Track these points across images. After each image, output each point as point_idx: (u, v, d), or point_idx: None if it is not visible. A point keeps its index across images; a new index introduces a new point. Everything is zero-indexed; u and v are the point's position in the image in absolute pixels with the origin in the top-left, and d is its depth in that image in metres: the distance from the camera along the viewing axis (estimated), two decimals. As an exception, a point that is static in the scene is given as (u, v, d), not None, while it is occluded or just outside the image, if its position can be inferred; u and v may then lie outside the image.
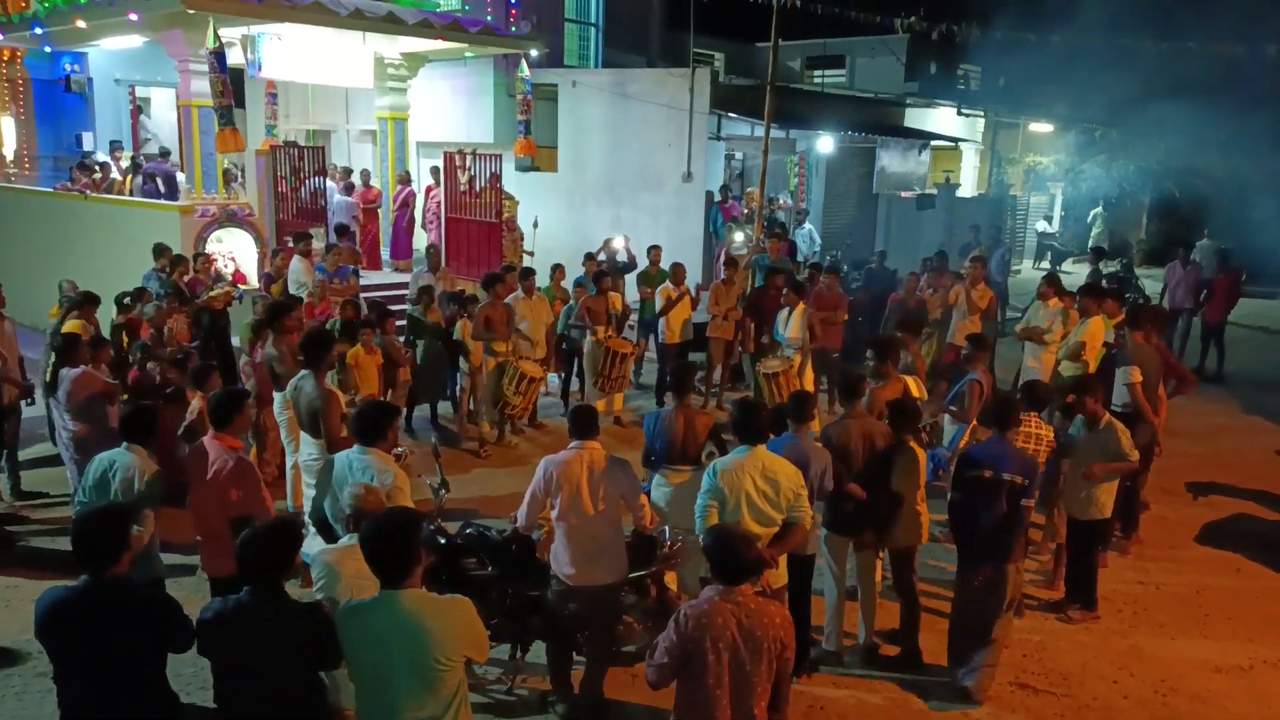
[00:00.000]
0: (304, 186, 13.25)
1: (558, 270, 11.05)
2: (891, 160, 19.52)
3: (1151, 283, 16.44)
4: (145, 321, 8.59)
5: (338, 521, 4.81)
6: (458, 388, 9.92)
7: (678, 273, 10.80)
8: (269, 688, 3.42)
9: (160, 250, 10.27)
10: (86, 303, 8.41)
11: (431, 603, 3.39)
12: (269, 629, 3.38)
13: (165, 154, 14.59)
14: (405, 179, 15.17)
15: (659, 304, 10.80)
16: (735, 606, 3.52)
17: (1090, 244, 21.84)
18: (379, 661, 3.31)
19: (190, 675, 4.96)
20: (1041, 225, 25.02)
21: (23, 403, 8.07)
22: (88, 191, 13.44)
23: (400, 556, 3.32)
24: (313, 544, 5.77)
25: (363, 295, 10.71)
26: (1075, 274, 21.33)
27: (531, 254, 14.24)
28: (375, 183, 15.40)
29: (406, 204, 15.05)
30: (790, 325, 9.76)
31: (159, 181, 13.51)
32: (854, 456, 5.59)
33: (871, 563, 5.93)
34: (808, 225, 16.76)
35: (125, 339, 8.51)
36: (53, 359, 7.34)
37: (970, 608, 5.49)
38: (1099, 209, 23.04)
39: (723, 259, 12.62)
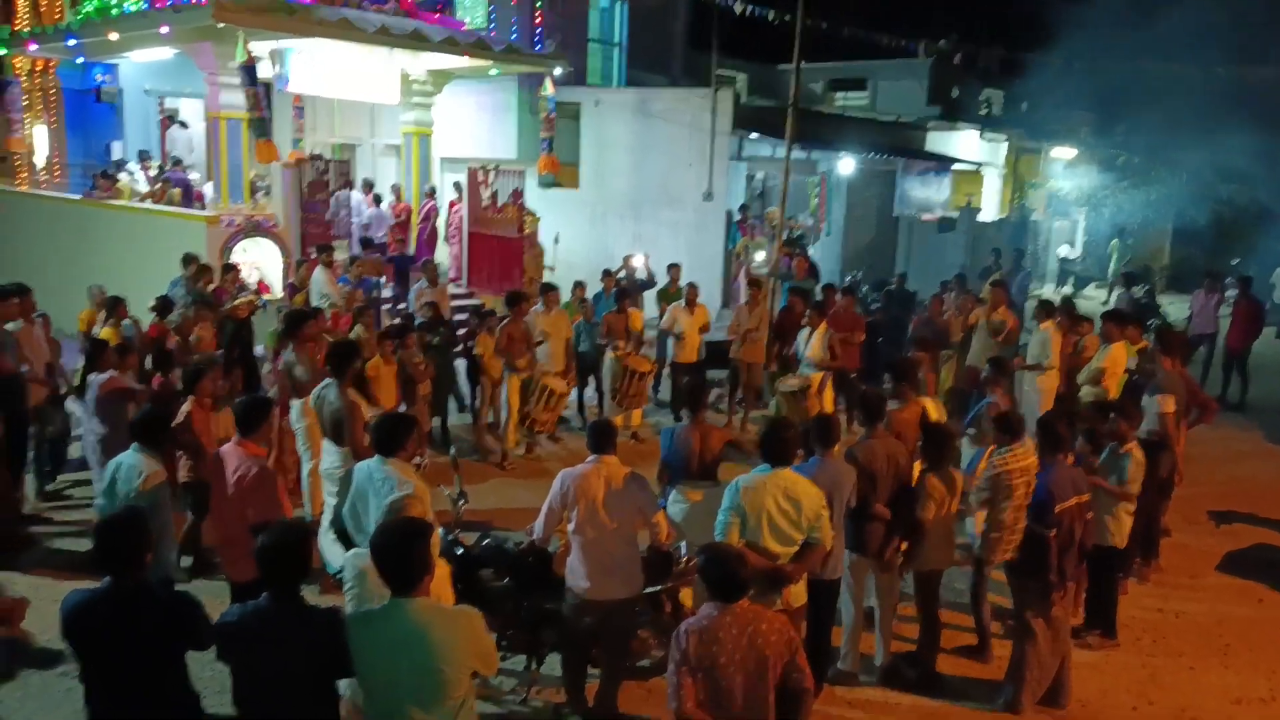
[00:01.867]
0: (332, 200, 13.40)
1: (578, 286, 11.11)
2: (913, 183, 19.53)
3: (1174, 309, 16.34)
4: (171, 330, 8.70)
5: (359, 531, 4.84)
6: (476, 401, 9.97)
7: (691, 292, 10.78)
8: (286, 692, 3.43)
9: (189, 259, 10.40)
10: (117, 307, 8.57)
11: (440, 613, 3.41)
12: (288, 634, 3.40)
13: (177, 162, 14.80)
14: (429, 194, 15.30)
15: (667, 322, 10.78)
16: (735, 618, 3.55)
17: (1110, 274, 21.75)
18: (386, 669, 3.33)
19: (209, 679, 4.99)
20: (1064, 250, 24.91)
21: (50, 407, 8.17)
22: (107, 198, 13.64)
23: (409, 565, 3.35)
24: (332, 551, 5.82)
25: (384, 307, 10.80)
26: (1095, 299, 21.26)
27: (552, 269, 14.34)
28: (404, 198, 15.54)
29: (428, 218, 15.16)
30: (811, 345, 9.77)
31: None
32: (879, 477, 5.58)
33: (892, 584, 5.92)
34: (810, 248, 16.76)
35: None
36: (81, 364, 7.45)
37: (1059, 633, 5.50)
38: (1116, 240, 22.90)
39: (743, 278, 12.64)
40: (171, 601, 3.62)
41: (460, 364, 10.25)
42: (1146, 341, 9.08)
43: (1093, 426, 6.52)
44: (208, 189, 13.21)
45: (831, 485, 5.10)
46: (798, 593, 4.94)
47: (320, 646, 3.41)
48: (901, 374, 6.83)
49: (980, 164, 22.40)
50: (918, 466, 6.45)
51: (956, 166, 21.13)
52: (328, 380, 6.32)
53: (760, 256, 14.36)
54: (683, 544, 5.73)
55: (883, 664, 5.89)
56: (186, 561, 6.77)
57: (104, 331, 8.22)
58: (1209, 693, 5.93)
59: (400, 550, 3.37)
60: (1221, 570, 7.76)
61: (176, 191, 13.33)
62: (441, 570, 4.15)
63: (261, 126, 11.38)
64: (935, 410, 7.02)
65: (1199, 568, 7.76)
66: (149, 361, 7.92)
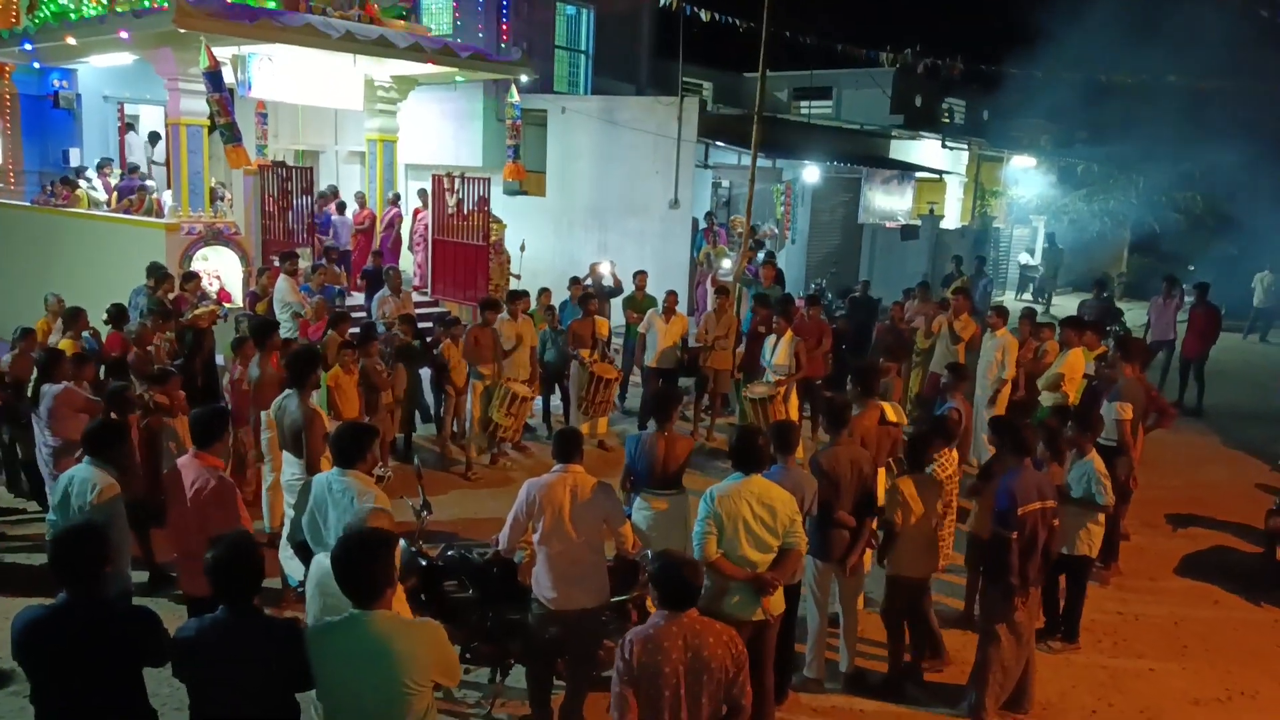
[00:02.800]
0: (292, 208, 13.25)
1: (543, 294, 11.08)
2: (876, 191, 19.70)
3: (1131, 315, 16.61)
4: (130, 340, 8.56)
5: (318, 544, 4.77)
6: (440, 409, 9.91)
7: (669, 300, 10.75)
8: (245, 706, 3.38)
9: (155, 269, 10.25)
10: (77, 318, 8.42)
11: (401, 625, 3.38)
12: (245, 648, 3.35)
13: (134, 169, 14.60)
14: (393, 201, 15.21)
15: (643, 326, 10.75)
16: (680, 628, 3.54)
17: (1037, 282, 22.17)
18: (347, 682, 3.29)
19: (166, 696, 4.90)
20: (1024, 258, 25.30)
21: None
22: (64, 206, 13.41)
23: (371, 577, 3.32)
24: (291, 564, 5.74)
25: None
26: (1057, 306, 21.58)
27: (518, 277, 14.28)
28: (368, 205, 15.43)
29: (392, 225, 15.06)
30: (777, 352, 9.80)
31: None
32: (843, 483, 5.61)
33: (855, 590, 5.95)
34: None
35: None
36: (35, 375, 7.31)
37: (1021, 637, 5.52)
38: (1046, 246, 23.26)
39: (710, 286, 12.66)
40: (129, 616, 3.56)
41: (424, 373, 10.17)
42: (1105, 347, 9.21)
43: (1053, 432, 6.59)
44: (167, 196, 13.02)
45: (794, 491, 5.10)
46: (777, 600, 4.95)
47: (279, 659, 3.37)
48: (860, 379, 6.89)
49: (943, 172, 22.67)
50: (882, 473, 6.51)
51: (919, 175, 21.35)
52: (288, 390, 6.25)
53: (727, 264, 14.41)
54: (649, 552, 5.72)
55: (847, 670, 5.91)
56: (142, 576, 6.65)
57: (63, 343, 8.06)
58: (1168, 694, 6.02)
59: (361, 562, 3.33)
60: (1180, 573, 7.89)
61: (155, 198, 13.13)
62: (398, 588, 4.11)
63: (230, 132, 11.24)
64: (893, 414, 7.07)
65: (1158, 570, 7.88)
66: (102, 372, 7.78)
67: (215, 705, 3.41)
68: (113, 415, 6.47)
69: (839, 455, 5.68)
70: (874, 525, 5.82)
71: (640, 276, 11.86)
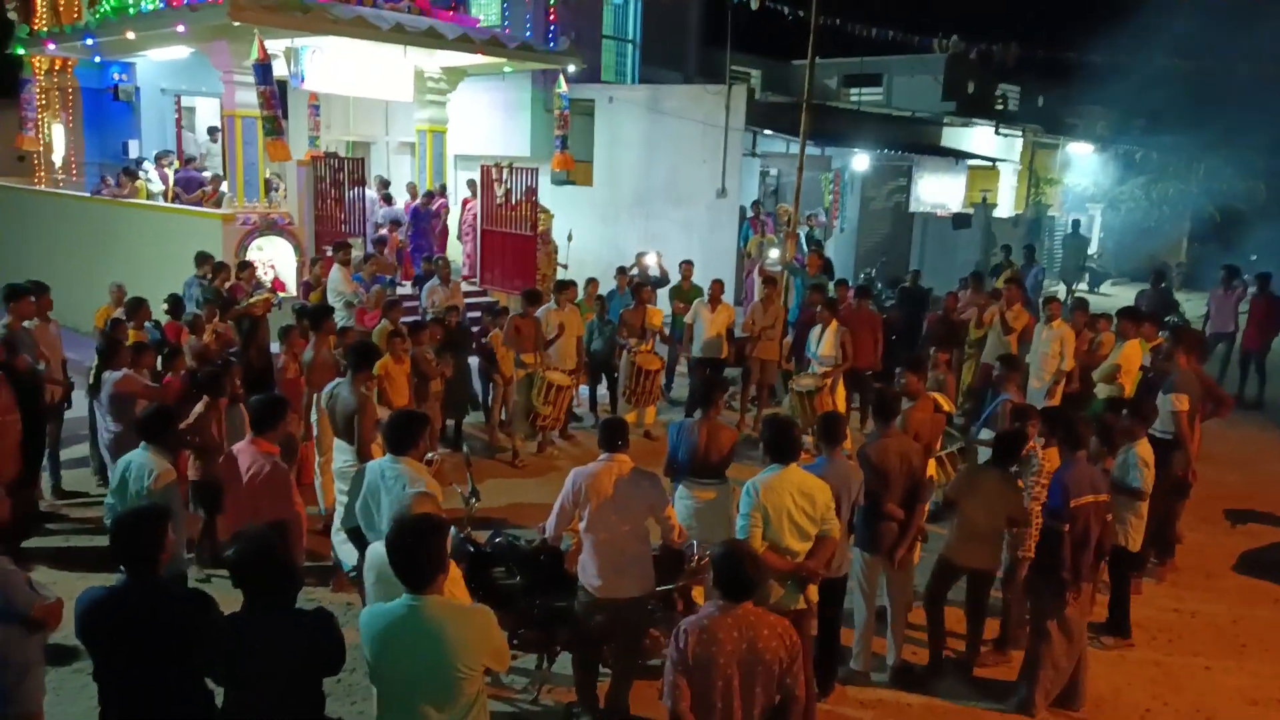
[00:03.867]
0: (345, 197, 13.43)
1: (591, 284, 11.11)
2: (928, 179, 19.45)
3: (1190, 306, 16.23)
4: (185, 328, 8.75)
5: (370, 530, 4.85)
6: (489, 398, 9.99)
7: (715, 290, 10.71)
8: (275, 698, 3.41)
9: (203, 258, 10.46)
10: (139, 308, 8.64)
11: (453, 610, 3.42)
12: (274, 642, 3.38)
13: (190, 160, 14.89)
14: (441, 190, 15.32)
15: (690, 316, 10.73)
16: (736, 619, 3.55)
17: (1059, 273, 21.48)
18: (400, 667, 3.34)
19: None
20: (1079, 247, 24.77)
21: (64, 404, 8.25)
22: (125, 197, 13.73)
23: (424, 563, 3.36)
24: (344, 550, 5.84)
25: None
26: (1115, 296, 21.11)
27: (565, 266, 14.32)
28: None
29: (439, 215, 15.18)
30: (823, 343, 9.73)
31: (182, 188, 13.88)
32: (891, 476, 5.57)
33: (904, 583, 5.90)
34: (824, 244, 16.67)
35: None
36: (96, 362, 7.50)
37: (1073, 634, 5.46)
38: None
39: (757, 276, 12.59)
40: (184, 599, 3.65)
41: (473, 361, 10.27)
42: (1162, 339, 9.01)
43: (1107, 424, 6.47)
44: (224, 188, 13.28)
45: (839, 484, 5.09)
46: (813, 589, 4.94)
47: (309, 650, 3.42)
48: (912, 371, 6.82)
49: (996, 160, 22.29)
50: (932, 465, 6.45)
51: (972, 162, 21.02)
52: (340, 379, 6.35)
53: (775, 254, 14.32)
54: (694, 542, 5.73)
55: (894, 664, 5.87)
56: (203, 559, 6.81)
57: (134, 335, 8.27)
58: (1224, 693, 5.89)
59: (415, 547, 3.37)
60: (1238, 570, 7.71)
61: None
62: (454, 571, 4.16)
63: (273, 125, 11.41)
64: (946, 404, 6.99)
65: (1215, 567, 7.70)
66: (159, 362, 7.96)
67: (248, 697, 3.43)
68: (206, 399, 6.60)
69: (888, 447, 5.63)
70: (924, 519, 5.77)
71: (686, 266, 11.85)
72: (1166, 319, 12.55)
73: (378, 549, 4.28)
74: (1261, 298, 12.80)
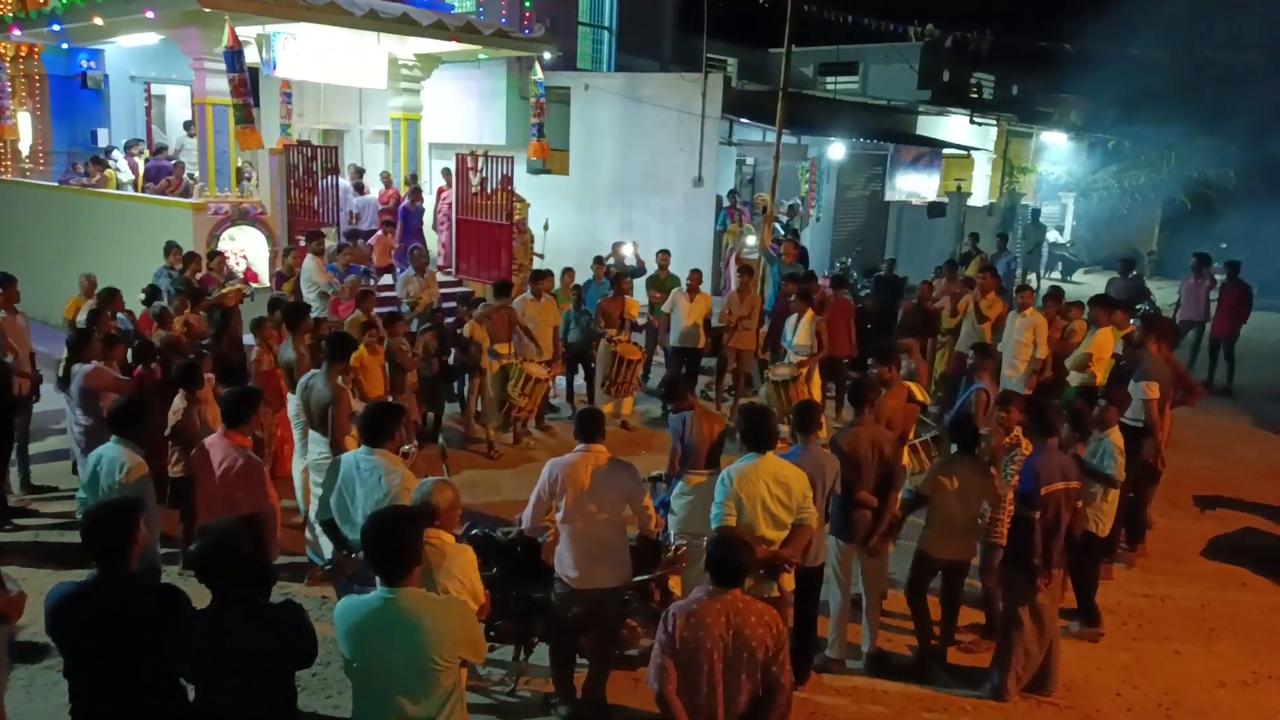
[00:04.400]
0: (318, 186, 13.30)
1: (567, 273, 11.08)
2: (903, 168, 19.51)
3: (1161, 294, 16.40)
4: (154, 319, 8.65)
5: (345, 522, 4.83)
6: (465, 389, 9.96)
7: (693, 279, 10.69)
8: (246, 692, 3.38)
9: (170, 248, 10.33)
10: (112, 299, 8.52)
11: (430, 602, 3.41)
12: (244, 636, 3.35)
13: (161, 149, 14.69)
14: (412, 180, 15.18)
15: (668, 305, 10.73)
16: (724, 605, 3.59)
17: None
18: (376, 658, 3.33)
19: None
20: (1053, 235, 24.96)
21: (32, 398, 8.14)
22: (94, 186, 13.54)
23: (400, 554, 3.34)
24: (322, 543, 5.80)
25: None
26: (1087, 284, 21.30)
27: (541, 256, 14.26)
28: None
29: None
30: (799, 332, 9.77)
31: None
32: (864, 464, 5.60)
33: (879, 571, 5.94)
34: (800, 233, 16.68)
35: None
36: (66, 354, 7.40)
37: (1043, 620, 5.51)
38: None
39: (734, 265, 12.61)
40: (157, 593, 3.62)
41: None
42: (1133, 327, 9.11)
43: (1078, 411, 6.54)
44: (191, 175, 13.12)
45: (814, 473, 5.12)
46: (788, 577, 4.97)
47: (279, 643, 3.40)
48: (885, 359, 6.86)
49: (970, 148, 22.39)
50: (906, 453, 6.49)
51: (947, 151, 21.10)
52: (315, 370, 6.30)
53: (751, 241, 14.33)
54: (671, 532, 5.74)
55: (870, 651, 5.91)
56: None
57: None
58: (1194, 677, 5.98)
59: (389, 539, 3.36)
60: (1207, 555, 7.82)
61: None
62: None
63: (243, 113, 11.27)
64: (920, 394, 7.03)
65: (1185, 553, 7.81)
66: (129, 354, 7.86)
67: (219, 693, 3.40)
68: (183, 392, 6.53)
69: (860, 435, 5.66)
70: (897, 506, 5.80)
71: (663, 256, 11.84)
72: (1137, 307, 12.70)
73: None
74: (1231, 285, 12.96)
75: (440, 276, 13.22)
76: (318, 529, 5.21)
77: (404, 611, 3.31)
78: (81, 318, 8.78)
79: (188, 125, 15.71)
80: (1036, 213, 22.16)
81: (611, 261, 12.52)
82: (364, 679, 3.39)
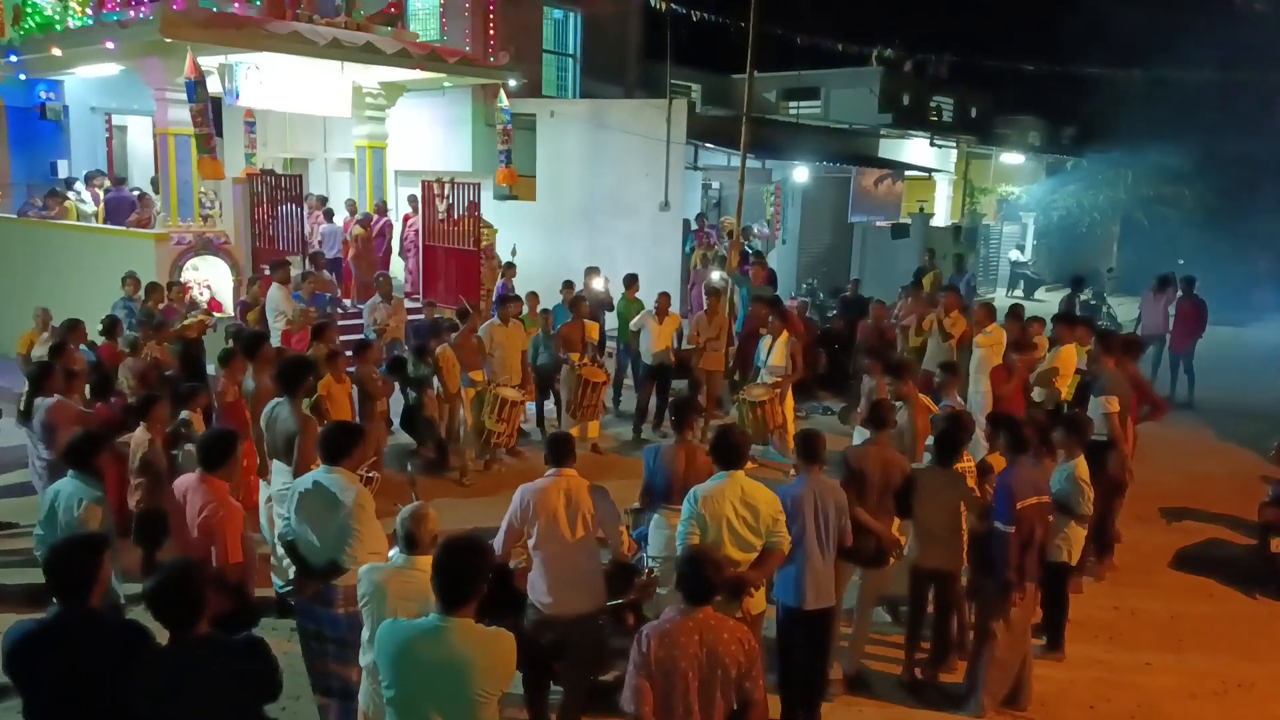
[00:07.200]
0: (279, 215, 13.21)
1: (532, 297, 11.08)
2: (866, 190, 19.76)
3: (1123, 310, 16.65)
4: (123, 351, 8.53)
5: (304, 544, 4.73)
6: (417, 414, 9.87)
7: (661, 301, 10.71)
8: None
9: (128, 277, 10.21)
10: (74, 330, 8.39)
11: (479, 635, 3.37)
12: (198, 670, 3.28)
13: (121, 180, 14.56)
14: (381, 209, 15.17)
15: (636, 324, 10.76)
16: (697, 623, 3.59)
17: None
18: (419, 684, 3.31)
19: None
20: (1014, 254, 25.35)
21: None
22: (53, 218, 13.37)
23: (468, 583, 3.33)
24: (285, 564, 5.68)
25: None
26: (1048, 302, 21.60)
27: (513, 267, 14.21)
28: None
29: (383, 234, 15.02)
30: (773, 353, 9.79)
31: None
32: (869, 482, 5.62)
33: (873, 591, 5.93)
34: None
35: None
36: (27, 388, 7.27)
37: (1018, 631, 5.52)
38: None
39: (703, 289, 12.66)
40: (121, 631, 3.53)
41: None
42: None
43: (1042, 425, 6.60)
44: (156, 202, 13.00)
45: (817, 502, 5.08)
46: (757, 600, 4.94)
47: (230, 680, 3.33)
48: (897, 375, 6.99)
49: (931, 170, 22.72)
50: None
51: (908, 173, 21.38)
52: (278, 399, 6.21)
53: (717, 276, 14.33)
54: (644, 555, 5.70)
55: (848, 671, 5.90)
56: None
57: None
58: (1165, 688, 6.03)
59: (461, 568, 3.34)
60: (1174, 567, 7.91)
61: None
62: None
63: (204, 143, 11.20)
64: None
65: (1153, 565, 7.89)
66: (87, 390, 7.71)
67: None
68: (143, 425, 6.41)
69: (870, 454, 5.71)
70: (895, 530, 5.81)
71: (630, 281, 11.80)
72: (1098, 323, 12.88)
73: (375, 567, 4.16)
74: (1187, 301, 13.18)
75: (408, 303, 13.17)
76: (279, 550, 5.09)
77: (454, 642, 3.29)
78: (39, 351, 8.63)
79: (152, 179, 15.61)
80: (959, 230, 22.25)
81: (581, 291, 12.47)
82: (403, 702, 3.35)
